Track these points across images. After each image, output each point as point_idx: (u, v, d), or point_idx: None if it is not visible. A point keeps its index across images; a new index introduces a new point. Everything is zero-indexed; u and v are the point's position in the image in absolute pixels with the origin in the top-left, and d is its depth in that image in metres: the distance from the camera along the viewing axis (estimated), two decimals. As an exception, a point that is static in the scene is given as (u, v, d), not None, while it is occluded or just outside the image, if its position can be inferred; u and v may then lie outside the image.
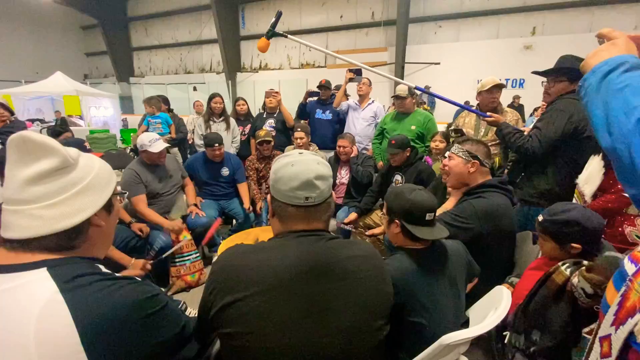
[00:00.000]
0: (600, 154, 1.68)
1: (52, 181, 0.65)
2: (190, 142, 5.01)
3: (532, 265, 1.43)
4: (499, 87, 2.55)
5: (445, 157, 1.97)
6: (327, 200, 0.87)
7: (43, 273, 0.61)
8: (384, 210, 1.28)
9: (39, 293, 0.58)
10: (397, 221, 1.18)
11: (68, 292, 0.59)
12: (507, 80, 8.93)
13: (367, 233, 2.45)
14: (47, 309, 0.57)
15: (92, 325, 0.58)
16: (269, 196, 0.90)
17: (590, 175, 1.67)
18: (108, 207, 0.74)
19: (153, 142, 2.46)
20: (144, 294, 0.67)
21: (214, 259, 2.66)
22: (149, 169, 2.53)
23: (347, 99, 3.75)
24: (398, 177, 2.67)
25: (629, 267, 0.66)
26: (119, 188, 0.80)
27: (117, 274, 0.69)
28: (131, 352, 0.63)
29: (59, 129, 4.58)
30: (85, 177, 0.69)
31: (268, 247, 0.83)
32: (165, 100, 4.69)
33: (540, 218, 1.32)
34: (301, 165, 0.83)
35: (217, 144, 2.88)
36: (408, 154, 2.60)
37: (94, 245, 0.72)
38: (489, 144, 2.51)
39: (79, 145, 2.96)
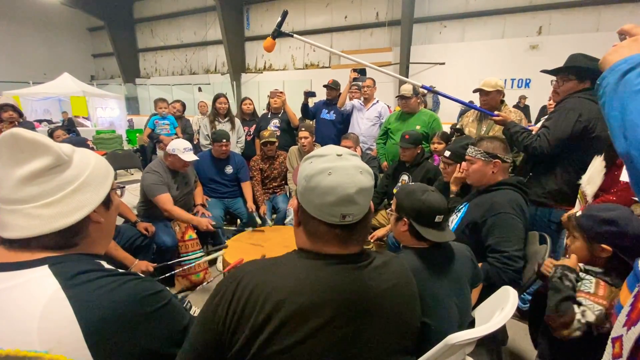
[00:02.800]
0: (603, 155, 1.66)
1: (48, 179, 0.63)
2: (195, 142, 5.05)
3: None
4: (479, 91, 2.55)
5: (445, 158, 1.95)
6: (365, 217, 0.74)
7: (45, 270, 0.60)
8: (393, 207, 1.27)
9: (41, 290, 0.58)
10: (405, 220, 1.17)
11: (71, 289, 0.59)
12: (512, 80, 8.87)
13: (369, 238, 2.43)
14: (50, 307, 0.56)
15: (96, 322, 0.58)
16: (294, 201, 0.78)
17: (592, 176, 1.65)
18: (106, 202, 0.73)
19: (187, 150, 2.46)
20: (147, 290, 0.66)
21: (218, 259, 2.69)
22: (170, 173, 2.55)
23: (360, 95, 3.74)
24: (405, 177, 2.66)
25: None
26: (116, 182, 0.80)
27: (120, 270, 0.69)
28: (135, 348, 0.63)
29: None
30: (81, 174, 0.68)
31: (295, 274, 0.70)
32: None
33: (578, 213, 1.25)
34: (341, 174, 0.69)
35: (225, 140, 2.96)
36: (419, 151, 2.63)
37: (94, 242, 0.71)
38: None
39: (82, 144, 2.99)
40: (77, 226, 0.66)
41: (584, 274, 1.18)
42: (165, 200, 2.41)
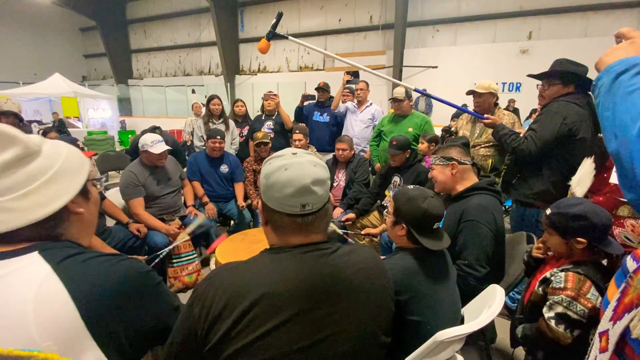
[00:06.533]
0: (593, 157, 1.70)
1: (18, 171, 0.62)
2: (188, 144, 5.02)
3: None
4: (472, 93, 2.59)
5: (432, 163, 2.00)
6: (325, 206, 0.80)
7: (35, 257, 0.61)
8: (390, 210, 1.27)
9: (33, 275, 0.58)
10: (404, 226, 1.18)
11: (62, 271, 0.60)
12: (503, 84, 9.01)
13: (363, 232, 2.46)
14: (43, 289, 0.57)
15: (91, 299, 0.59)
16: (260, 203, 0.84)
17: (582, 177, 1.70)
18: (84, 192, 0.72)
19: (155, 143, 2.46)
20: (139, 269, 0.69)
21: (211, 260, 2.67)
22: (148, 170, 2.53)
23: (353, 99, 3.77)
24: (396, 179, 2.69)
25: (630, 265, 0.67)
26: (97, 174, 0.79)
27: (109, 252, 0.71)
28: (131, 325, 0.65)
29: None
30: (54, 163, 0.66)
31: (264, 268, 0.75)
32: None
33: (547, 211, 1.29)
34: (296, 168, 0.75)
35: (219, 137, 2.98)
36: (408, 155, 2.63)
37: (78, 233, 0.71)
38: (483, 145, 2.55)
39: (72, 144, 2.93)
40: (56, 217, 0.65)
41: (557, 272, 1.22)
42: (136, 204, 2.43)
